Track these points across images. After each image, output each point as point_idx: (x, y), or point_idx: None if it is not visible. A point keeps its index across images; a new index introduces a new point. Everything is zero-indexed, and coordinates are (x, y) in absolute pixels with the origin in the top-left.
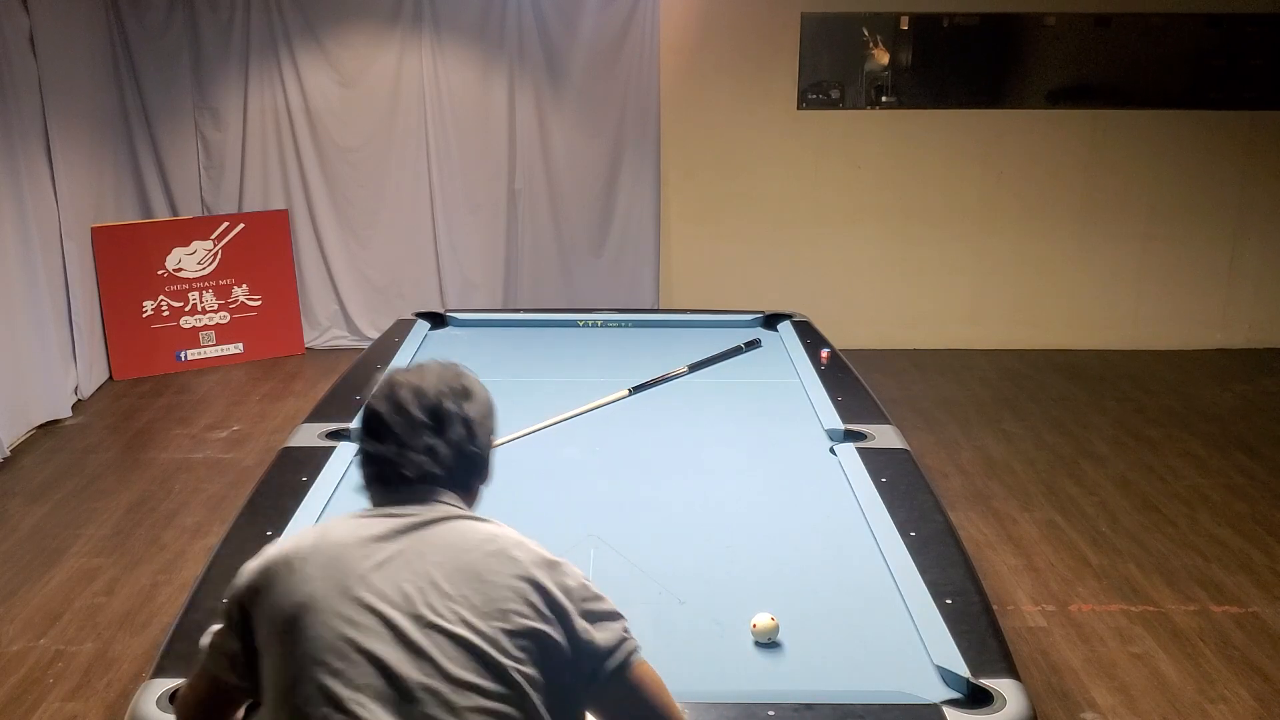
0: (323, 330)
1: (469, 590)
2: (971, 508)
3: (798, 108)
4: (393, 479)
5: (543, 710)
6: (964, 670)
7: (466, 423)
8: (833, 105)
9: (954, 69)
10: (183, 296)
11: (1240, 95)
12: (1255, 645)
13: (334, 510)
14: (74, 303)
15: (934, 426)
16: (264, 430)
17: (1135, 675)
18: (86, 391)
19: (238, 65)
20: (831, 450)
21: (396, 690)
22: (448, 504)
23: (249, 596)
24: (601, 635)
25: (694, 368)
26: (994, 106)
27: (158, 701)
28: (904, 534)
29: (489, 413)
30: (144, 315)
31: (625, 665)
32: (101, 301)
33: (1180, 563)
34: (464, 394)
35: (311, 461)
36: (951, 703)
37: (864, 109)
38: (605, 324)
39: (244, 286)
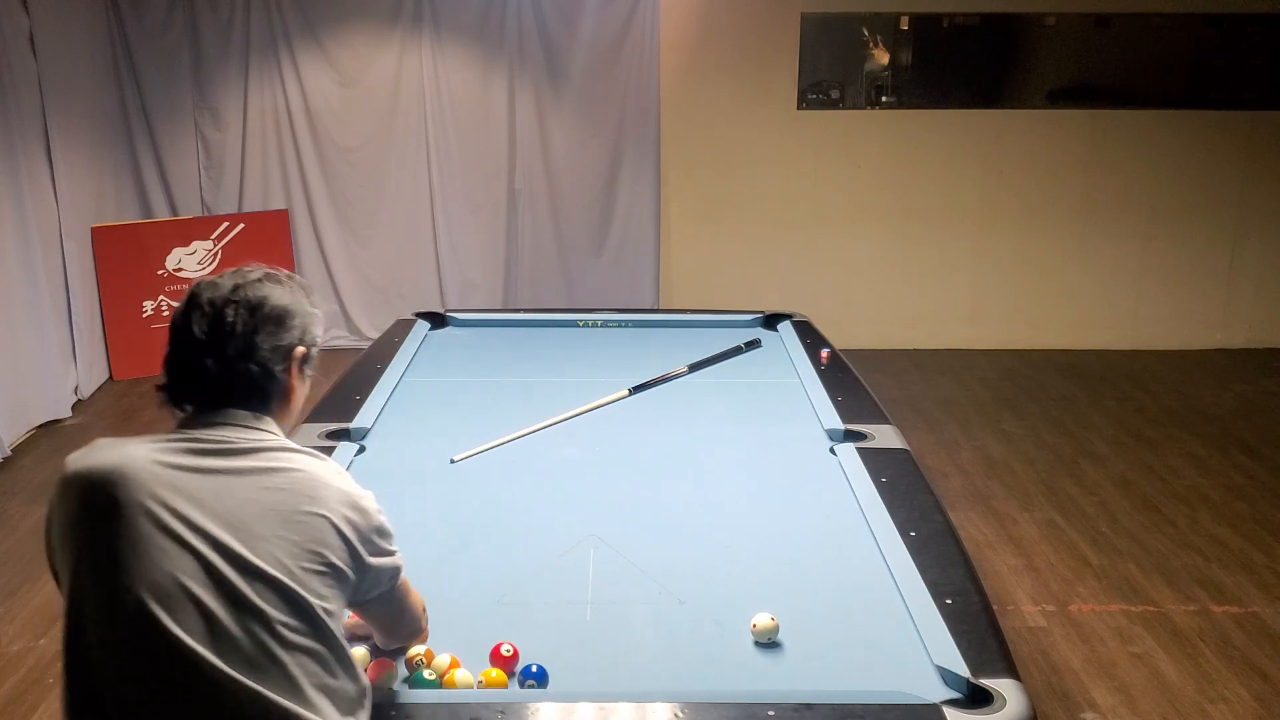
0: (323, 330)
1: (282, 530)
2: (971, 508)
3: (798, 108)
4: (180, 400)
5: (338, 635)
6: (964, 670)
7: (246, 338)
8: (833, 105)
9: (954, 69)
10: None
11: (1240, 95)
12: (1255, 645)
13: None
14: (74, 303)
15: (934, 426)
16: None
17: (1135, 675)
18: (86, 391)
19: (238, 65)
20: (831, 450)
21: (217, 632)
22: (248, 428)
23: (50, 521)
24: (381, 564)
25: (694, 368)
26: (994, 106)
27: None
28: (904, 534)
29: (281, 324)
30: (144, 315)
31: (391, 589)
32: (101, 301)
33: (1180, 563)
34: (252, 305)
35: None
36: (951, 703)
37: (864, 109)
38: (605, 324)
39: None
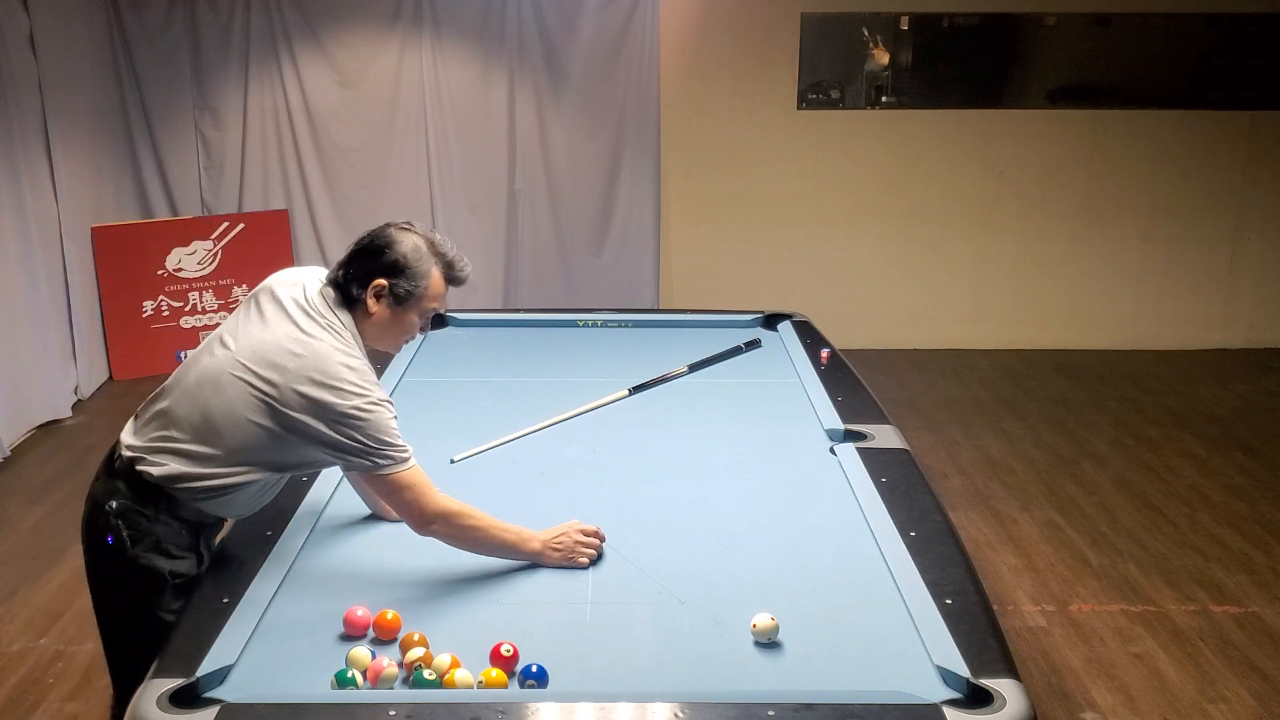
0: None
1: (264, 356)
2: (971, 508)
3: (798, 107)
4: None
5: (226, 435)
6: (964, 670)
7: (351, 255)
8: (833, 105)
9: (954, 69)
10: (183, 296)
11: (1240, 95)
12: (1255, 645)
13: (334, 510)
14: (74, 303)
15: (934, 426)
16: None
17: (1135, 675)
18: (86, 391)
19: (238, 65)
20: (831, 450)
21: (187, 377)
22: (327, 306)
23: None
24: (334, 438)
25: (694, 368)
26: (994, 106)
27: (158, 701)
28: (904, 534)
29: (374, 258)
30: (144, 315)
31: (371, 470)
32: (101, 301)
33: (1180, 563)
34: (371, 237)
35: None
36: (951, 703)
37: (864, 109)
38: (605, 324)
39: (244, 286)
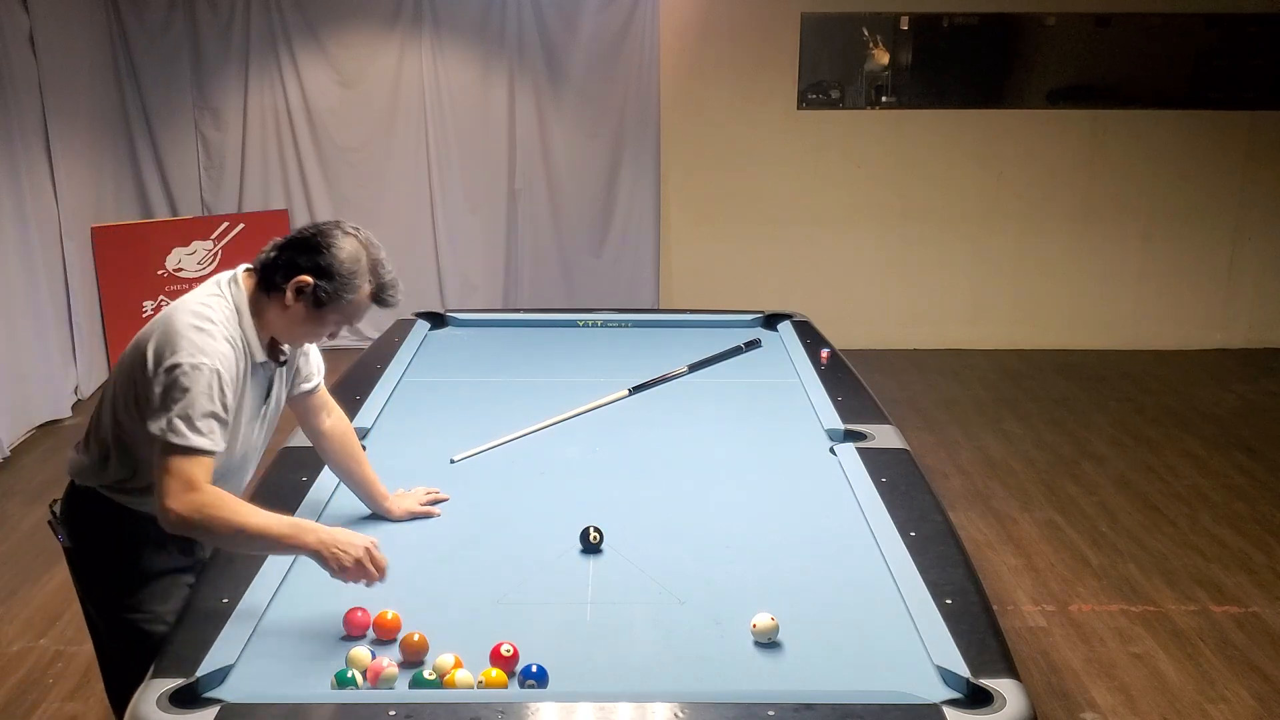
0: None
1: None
2: (971, 508)
3: (798, 107)
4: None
5: (111, 422)
6: (964, 670)
7: (287, 242)
8: (833, 105)
9: (954, 69)
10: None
11: (1240, 95)
12: (1255, 645)
13: (334, 509)
14: (74, 302)
15: (934, 426)
16: None
17: (1135, 675)
18: (86, 391)
19: (238, 65)
20: (831, 450)
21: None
22: (229, 282)
23: None
24: (154, 407)
25: (694, 368)
26: (994, 106)
27: (158, 701)
28: (904, 534)
29: (306, 252)
30: (144, 315)
31: (161, 443)
32: (101, 301)
33: (1180, 563)
34: (311, 230)
35: (311, 461)
36: (951, 703)
37: (864, 109)
38: (605, 324)
39: None
